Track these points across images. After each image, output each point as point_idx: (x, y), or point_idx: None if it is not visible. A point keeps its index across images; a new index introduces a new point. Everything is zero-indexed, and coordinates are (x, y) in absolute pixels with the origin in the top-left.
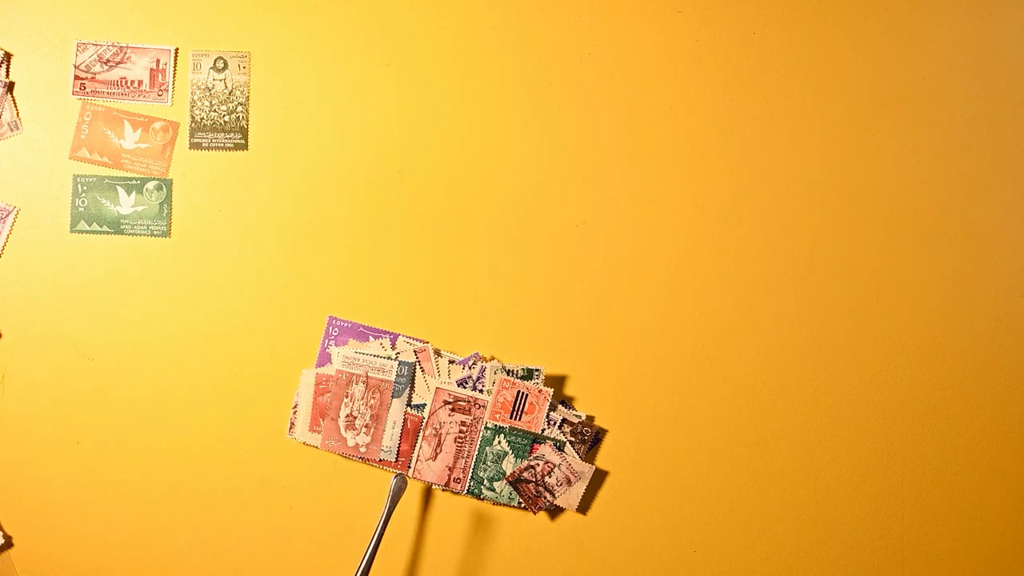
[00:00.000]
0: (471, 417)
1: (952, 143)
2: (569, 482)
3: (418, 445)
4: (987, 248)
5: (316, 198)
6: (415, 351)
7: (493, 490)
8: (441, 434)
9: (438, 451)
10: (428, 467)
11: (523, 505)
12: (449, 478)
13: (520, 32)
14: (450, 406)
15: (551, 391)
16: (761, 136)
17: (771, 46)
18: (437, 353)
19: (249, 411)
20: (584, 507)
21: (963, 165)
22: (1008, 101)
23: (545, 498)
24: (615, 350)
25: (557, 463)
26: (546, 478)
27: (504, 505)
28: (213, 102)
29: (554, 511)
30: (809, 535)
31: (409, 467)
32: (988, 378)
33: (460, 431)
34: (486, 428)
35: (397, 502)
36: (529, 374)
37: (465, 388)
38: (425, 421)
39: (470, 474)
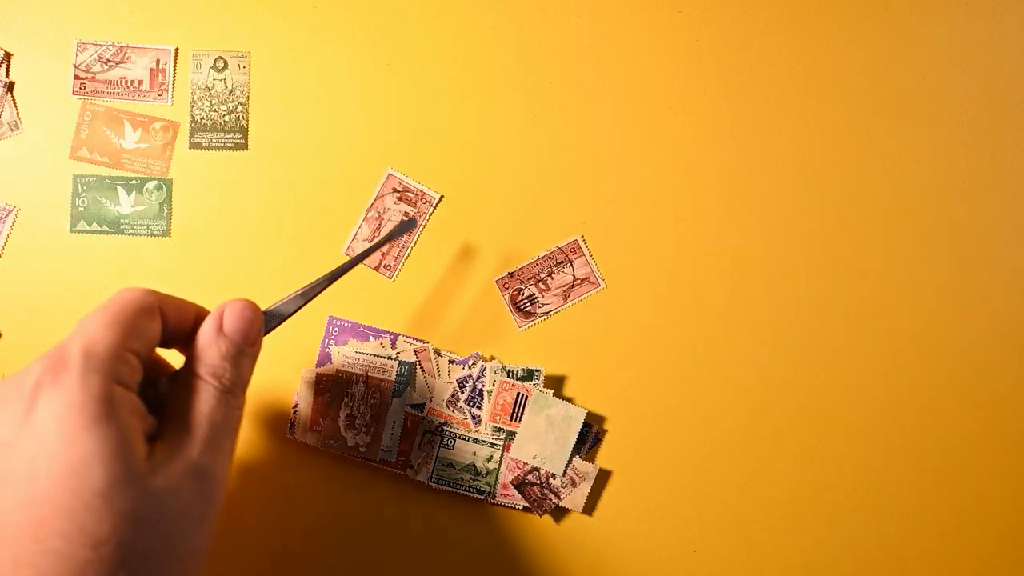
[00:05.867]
0: (415, 210)
1: (952, 143)
2: (574, 483)
3: (358, 225)
4: (987, 248)
5: (316, 198)
6: (415, 351)
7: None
8: (383, 219)
9: (376, 235)
10: (363, 247)
11: (460, 489)
12: (380, 263)
13: (520, 32)
14: (398, 195)
15: (550, 392)
16: (761, 136)
17: (771, 46)
18: (437, 353)
19: (249, 411)
20: (589, 508)
21: (963, 165)
22: (1008, 101)
23: (550, 500)
24: (615, 350)
25: None
26: (551, 480)
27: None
28: (213, 102)
29: (559, 513)
30: (809, 535)
31: (345, 245)
32: (988, 378)
33: (402, 220)
34: (459, 437)
35: (398, 236)
36: (529, 375)
37: (463, 390)
38: (371, 204)
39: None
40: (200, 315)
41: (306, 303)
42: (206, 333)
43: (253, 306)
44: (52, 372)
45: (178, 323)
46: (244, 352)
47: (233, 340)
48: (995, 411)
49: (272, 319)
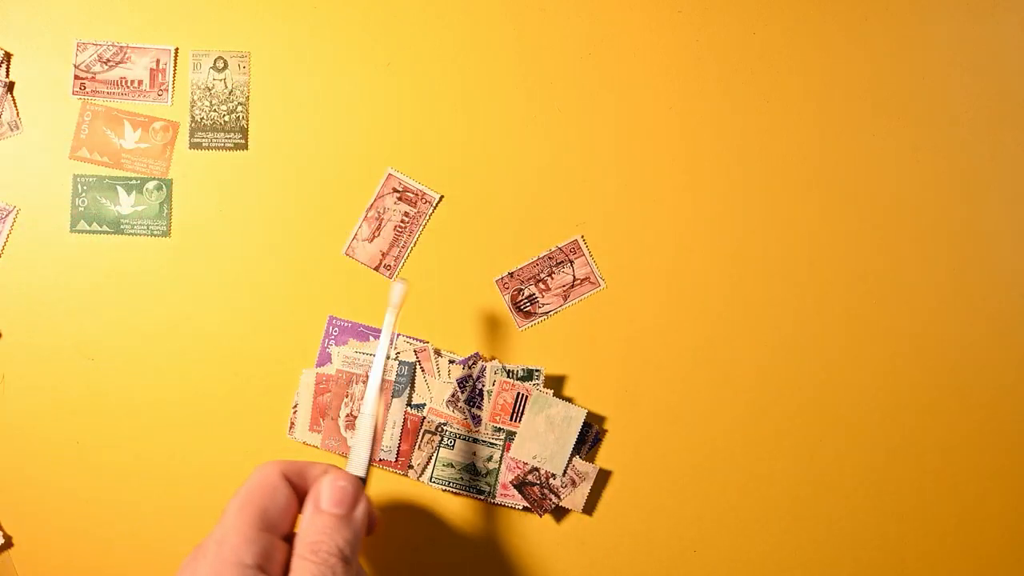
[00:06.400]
0: (415, 210)
1: (952, 143)
2: (574, 483)
3: (358, 225)
4: (987, 248)
5: (316, 198)
6: (415, 351)
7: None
8: (383, 219)
9: (376, 234)
10: (363, 247)
11: (462, 490)
12: (380, 263)
13: (520, 32)
14: (398, 195)
15: (550, 392)
16: (761, 136)
17: (771, 46)
18: (437, 353)
19: (249, 411)
20: (590, 508)
21: (963, 165)
22: (1008, 101)
23: (550, 500)
24: (615, 350)
25: None
26: (551, 480)
27: (454, 493)
28: (213, 102)
29: (559, 513)
30: (809, 535)
31: (345, 245)
32: (988, 378)
33: (402, 220)
34: (457, 436)
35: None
36: (529, 375)
37: (463, 390)
38: (371, 203)
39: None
40: (327, 473)
41: (376, 439)
42: (305, 514)
43: (345, 474)
44: (193, 559)
45: (307, 488)
46: (343, 521)
47: (330, 512)
48: (995, 411)
49: (363, 471)
